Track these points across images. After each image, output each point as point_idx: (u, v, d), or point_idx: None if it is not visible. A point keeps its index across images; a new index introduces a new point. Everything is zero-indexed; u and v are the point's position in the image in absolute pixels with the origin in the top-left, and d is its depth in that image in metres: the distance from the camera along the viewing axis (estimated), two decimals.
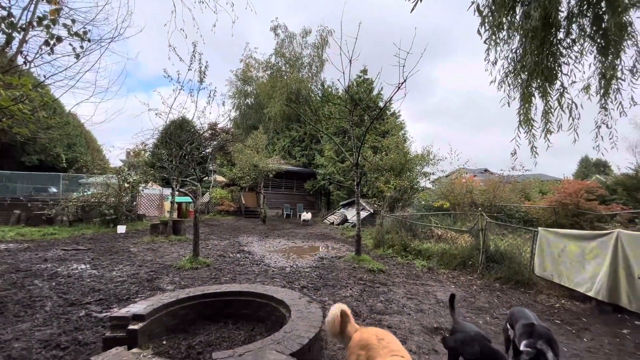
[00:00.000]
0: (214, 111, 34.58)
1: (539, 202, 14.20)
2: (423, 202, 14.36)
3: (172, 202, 12.76)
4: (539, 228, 6.73)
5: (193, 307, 4.18)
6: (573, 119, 3.30)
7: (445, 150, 36.74)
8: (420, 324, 4.59)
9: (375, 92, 21.82)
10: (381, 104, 19.45)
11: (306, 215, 19.36)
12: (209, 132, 13.60)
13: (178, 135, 11.20)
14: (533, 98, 3.52)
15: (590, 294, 5.43)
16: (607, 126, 3.30)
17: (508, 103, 3.64)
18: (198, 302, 4.22)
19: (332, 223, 19.86)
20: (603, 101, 3.36)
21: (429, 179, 16.42)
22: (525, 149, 4.07)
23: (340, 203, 21.60)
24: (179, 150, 10.66)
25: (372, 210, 17.27)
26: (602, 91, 3.35)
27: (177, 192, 12.41)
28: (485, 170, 27.79)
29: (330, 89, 27.91)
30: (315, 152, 24.80)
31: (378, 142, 16.90)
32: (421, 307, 5.36)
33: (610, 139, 3.34)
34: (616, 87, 3.26)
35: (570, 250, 5.94)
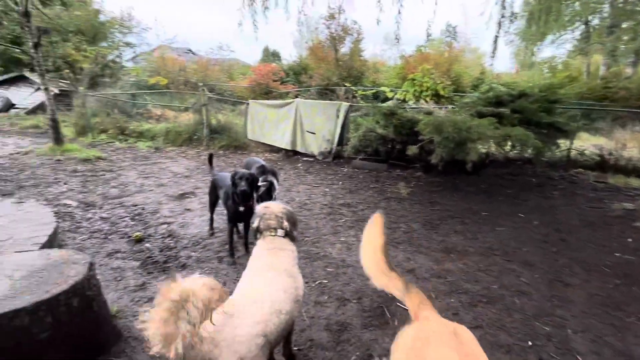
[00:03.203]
0: None
1: (242, 82, 16.43)
2: (133, 79, 12.52)
3: None
4: (250, 101, 8.15)
5: None
6: None
7: (148, 19, 31.56)
8: (165, 195, 4.77)
9: None
10: None
11: None
12: None
13: None
14: None
15: (282, 146, 7.70)
16: (304, 13, 4.32)
17: None
18: None
19: None
20: None
21: (134, 52, 14.09)
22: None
23: None
24: None
25: (57, 90, 12.96)
26: None
27: None
28: (189, 51, 27.26)
29: None
30: None
31: None
32: (161, 182, 5.44)
33: (307, 24, 4.43)
34: None
35: (270, 117, 7.82)
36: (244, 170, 2.96)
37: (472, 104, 5.98)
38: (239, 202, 2.91)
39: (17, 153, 6.90)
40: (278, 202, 1.93)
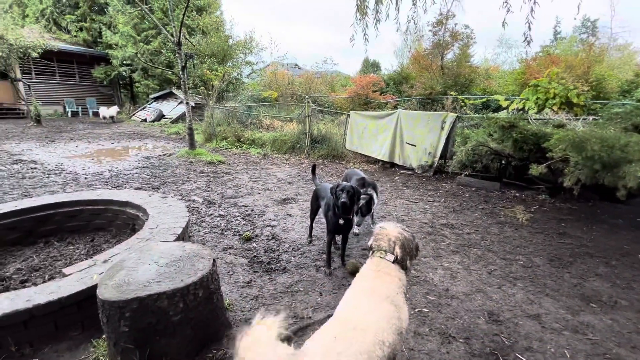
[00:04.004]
0: None
1: (342, 94, 16.98)
2: (250, 93, 14.28)
3: None
4: (351, 112, 8.31)
5: None
6: (398, 10, 3.94)
7: (265, 40, 35.85)
8: (271, 199, 5.18)
9: None
10: None
11: (109, 111, 15.44)
12: None
13: None
14: None
15: (379, 157, 7.58)
16: (414, 22, 4.16)
17: None
18: None
19: (145, 120, 17.00)
20: None
21: (252, 69, 16.06)
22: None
23: (151, 96, 18.28)
24: None
25: (193, 104, 15.76)
26: None
27: None
28: (295, 66, 29.71)
29: None
30: (101, 26, 18.49)
31: (193, 20, 14.32)
32: (267, 186, 5.96)
33: (415, 33, 4.29)
34: None
35: (370, 127, 7.80)
36: (345, 183, 2.97)
37: (626, 114, 4.77)
38: (339, 214, 2.92)
39: (164, 154, 8.56)
40: (397, 224, 1.81)
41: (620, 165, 3.15)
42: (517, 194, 5.70)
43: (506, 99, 11.05)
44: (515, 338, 2.20)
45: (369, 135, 7.79)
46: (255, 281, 2.82)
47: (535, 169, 4.13)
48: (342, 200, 2.82)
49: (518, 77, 13.86)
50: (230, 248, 3.42)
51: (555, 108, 9.27)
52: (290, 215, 4.47)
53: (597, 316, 2.49)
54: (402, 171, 7.29)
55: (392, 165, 7.54)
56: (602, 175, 3.32)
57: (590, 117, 5.86)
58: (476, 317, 2.41)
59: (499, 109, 10.97)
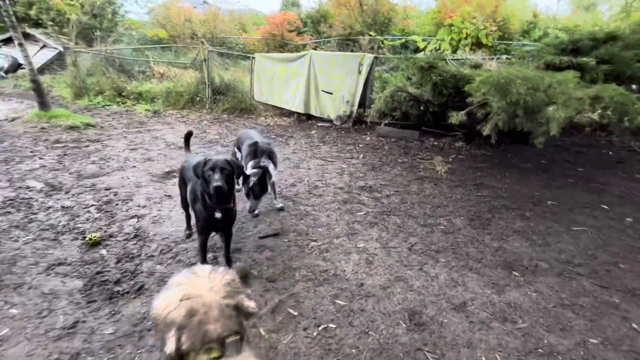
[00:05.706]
0: None
1: (255, 34, 14.87)
2: (134, 33, 11.41)
3: None
4: (256, 54, 6.96)
5: None
6: None
7: None
8: (148, 174, 3.96)
9: None
10: None
11: None
12: None
13: None
14: None
15: (293, 108, 6.61)
16: None
17: None
18: None
19: None
20: None
21: (136, 2, 12.78)
22: None
23: None
24: None
25: (61, 48, 12.17)
26: None
27: None
28: (204, 2, 25.52)
29: None
30: None
31: None
32: (149, 155, 4.63)
33: None
34: None
35: (280, 73, 6.64)
36: (217, 157, 1.99)
37: (538, 52, 4.55)
38: (213, 203, 2.00)
39: (5, 119, 6.28)
40: (195, 271, 0.84)
41: (542, 110, 2.79)
42: (436, 142, 5.43)
43: (423, 40, 10.70)
44: (441, 349, 1.71)
45: (280, 83, 6.66)
46: (84, 321, 1.84)
47: (455, 117, 3.70)
48: (216, 184, 1.88)
49: (434, 17, 13.57)
50: (60, 264, 2.31)
51: (467, 49, 9.24)
52: (169, 196, 3.39)
53: (522, 289, 2.18)
54: (319, 124, 6.49)
55: (309, 117, 6.67)
56: (525, 122, 2.96)
57: (504, 57, 5.67)
58: (395, 324, 1.87)
59: (417, 50, 10.63)
